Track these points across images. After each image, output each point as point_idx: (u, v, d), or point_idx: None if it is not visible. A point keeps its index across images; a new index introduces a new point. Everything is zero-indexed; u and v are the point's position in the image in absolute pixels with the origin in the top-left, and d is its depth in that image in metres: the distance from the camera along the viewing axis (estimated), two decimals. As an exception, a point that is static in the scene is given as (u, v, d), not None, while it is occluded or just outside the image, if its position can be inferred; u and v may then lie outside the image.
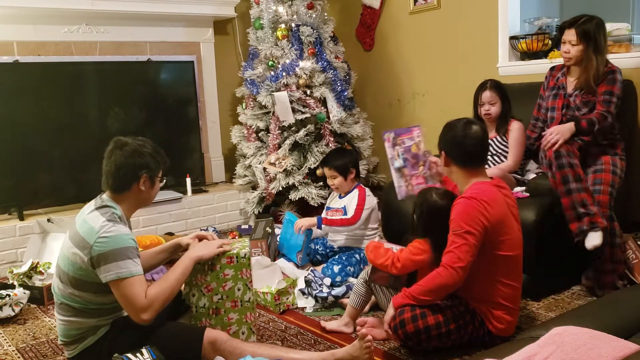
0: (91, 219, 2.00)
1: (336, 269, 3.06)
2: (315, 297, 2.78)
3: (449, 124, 2.34)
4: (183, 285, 2.17)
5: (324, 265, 3.16)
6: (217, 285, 2.21)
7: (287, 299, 2.79)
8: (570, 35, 2.85)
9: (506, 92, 3.16)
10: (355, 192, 3.26)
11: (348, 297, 2.68)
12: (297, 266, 3.30)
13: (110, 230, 1.95)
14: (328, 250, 3.37)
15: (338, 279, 3.03)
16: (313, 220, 3.21)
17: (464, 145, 2.26)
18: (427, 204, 2.33)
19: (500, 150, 3.13)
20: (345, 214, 3.25)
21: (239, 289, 2.23)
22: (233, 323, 2.25)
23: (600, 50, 2.81)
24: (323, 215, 3.36)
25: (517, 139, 3.09)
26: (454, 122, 2.33)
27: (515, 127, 3.11)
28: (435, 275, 2.15)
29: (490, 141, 3.15)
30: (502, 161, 3.13)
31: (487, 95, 3.13)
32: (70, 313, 2.04)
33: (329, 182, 3.36)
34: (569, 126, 2.71)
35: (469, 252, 2.12)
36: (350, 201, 3.26)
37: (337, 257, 3.18)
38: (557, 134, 2.68)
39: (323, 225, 3.19)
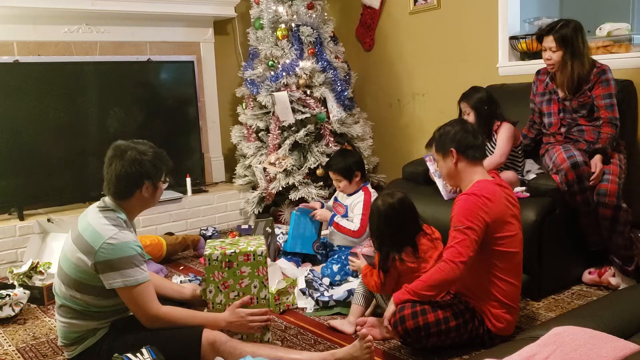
0: (96, 222, 1.99)
1: (335, 268, 3.06)
2: (317, 301, 2.78)
3: (447, 126, 2.37)
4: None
5: (324, 265, 3.16)
6: (233, 282, 2.23)
7: (287, 299, 2.80)
8: (549, 42, 2.88)
9: (479, 101, 3.09)
10: (361, 196, 3.25)
11: (349, 300, 2.69)
12: (298, 266, 3.30)
13: (116, 237, 1.95)
14: (328, 250, 3.37)
15: (337, 278, 3.03)
16: (327, 217, 3.26)
17: (469, 136, 2.29)
18: (375, 207, 2.40)
19: (489, 154, 3.16)
20: (346, 213, 3.27)
21: (255, 287, 2.24)
22: None
23: (579, 54, 2.83)
24: (330, 203, 3.43)
25: (504, 137, 3.06)
26: (449, 123, 2.38)
27: (503, 127, 3.08)
28: (437, 270, 2.16)
29: None
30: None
31: (462, 105, 3.16)
32: (71, 315, 2.04)
33: (335, 184, 3.38)
34: (600, 157, 2.76)
35: (470, 247, 2.13)
36: (354, 204, 3.26)
37: (336, 256, 3.18)
38: (597, 167, 2.74)
39: (330, 227, 3.23)
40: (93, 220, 2.01)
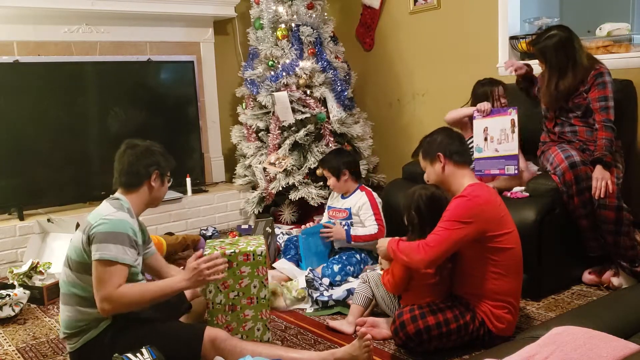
0: (101, 208, 2.08)
1: (336, 268, 3.06)
2: (316, 301, 2.78)
3: (433, 134, 2.43)
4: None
5: (324, 265, 3.16)
6: (233, 282, 2.24)
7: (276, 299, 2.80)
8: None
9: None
10: (362, 197, 3.24)
11: (349, 300, 2.69)
12: (298, 265, 3.30)
13: (113, 214, 2.02)
14: (328, 250, 3.37)
15: (338, 278, 3.03)
16: (342, 235, 3.14)
17: (455, 142, 2.36)
18: (417, 195, 2.35)
19: None
20: (350, 216, 3.26)
21: (255, 286, 2.25)
22: (249, 320, 2.27)
23: (560, 68, 2.81)
24: (325, 215, 3.39)
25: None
26: (435, 132, 2.45)
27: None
28: (413, 245, 2.21)
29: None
30: None
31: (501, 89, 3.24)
32: (75, 301, 2.03)
33: (328, 181, 3.38)
34: (601, 168, 2.68)
35: (446, 242, 2.16)
36: (357, 205, 3.24)
37: (337, 256, 3.18)
38: (602, 179, 2.66)
39: (352, 243, 3.16)
40: (100, 207, 2.09)
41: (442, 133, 2.42)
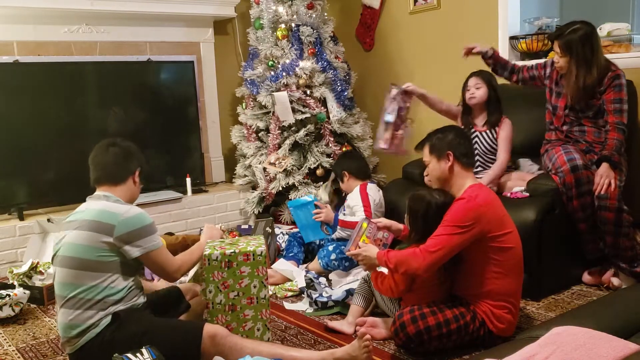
0: (105, 206, 2.11)
1: (331, 247, 3.13)
2: (315, 302, 2.78)
3: (444, 131, 2.40)
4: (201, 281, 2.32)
5: (320, 249, 3.21)
6: (233, 282, 2.24)
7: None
8: (555, 46, 2.87)
9: (494, 82, 3.17)
10: (356, 192, 3.29)
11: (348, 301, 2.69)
12: (298, 265, 3.30)
13: (131, 210, 2.10)
14: (324, 241, 3.38)
15: (333, 257, 3.08)
16: (331, 217, 3.24)
17: (466, 142, 2.36)
18: (432, 203, 2.30)
19: (489, 147, 3.13)
20: (344, 209, 3.32)
21: (254, 286, 2.25)
22: (249, 319, 2.27)
23: (587, 62, 2.79)
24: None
25: (507, 136, 3.10)
26: (446, 128, 2.42)
27: (506, 121, 3.13)
28: (409, 252, 2.20)
29: (479, 135, 3.16)
30: (491, 159, 3.13)
31: (472, 80, 3.18)
32: (78, 305, 2.02)
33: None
34: (607, 166, 2.68)
35: (447, 247, 2.15)
36: (352, 201, 3.28)
37: (330, 241, 3.25)
38: (606, 177, 2.66)
39: (338, 227, 3.18)
40: (100, 205, 2.11)
41: (454, 131, 2.39)
